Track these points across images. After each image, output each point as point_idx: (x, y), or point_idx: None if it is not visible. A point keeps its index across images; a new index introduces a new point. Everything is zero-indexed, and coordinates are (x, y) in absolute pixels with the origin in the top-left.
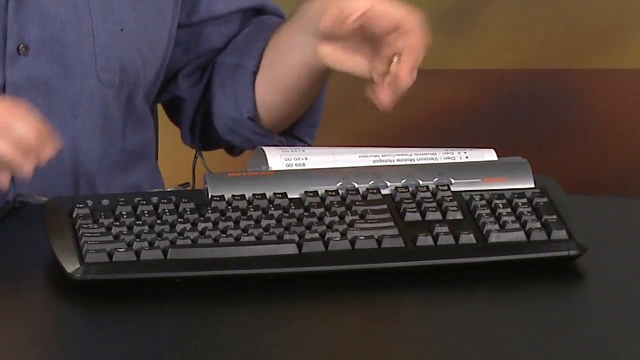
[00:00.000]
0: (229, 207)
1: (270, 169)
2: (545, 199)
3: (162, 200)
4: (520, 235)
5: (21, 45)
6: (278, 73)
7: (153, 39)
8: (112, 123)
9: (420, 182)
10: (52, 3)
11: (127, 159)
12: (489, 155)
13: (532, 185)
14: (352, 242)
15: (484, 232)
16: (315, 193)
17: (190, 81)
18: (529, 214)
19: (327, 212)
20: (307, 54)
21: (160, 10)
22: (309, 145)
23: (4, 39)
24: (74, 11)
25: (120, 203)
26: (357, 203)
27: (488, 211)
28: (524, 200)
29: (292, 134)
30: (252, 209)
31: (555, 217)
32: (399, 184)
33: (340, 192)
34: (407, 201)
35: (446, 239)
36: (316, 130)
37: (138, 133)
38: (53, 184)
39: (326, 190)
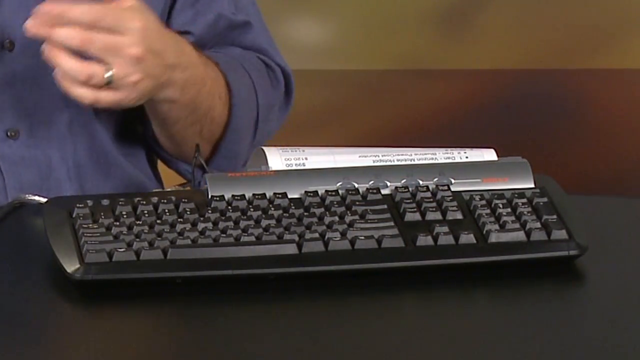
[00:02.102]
0: (229, 207)
1: (270, 169)
2: (545, 199)
3: (162, 200)
4: (520, 235)
5: (6, 41)
6: None
7: None
8: (100, 121)
9: (420, 182)
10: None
11: (115, 157)
12: (489, 155)
13: (532, 185)
14: (352, 242)
15: (484, 232)
16: (315, 193)
17: None
18: (529, 214)
19: (327, 212)
20: None
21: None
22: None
23: None
24: None
25: (120, 203)
26: (357, 203)
27: (488, 211)
28: (524, 200)
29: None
30: (252, 209)
31: (555, 217)
32: (399, 184)
33: (340, 192)
34: (407, 201)
35: (446, 239)
36: (235, 162)
37: (125, 132)
38: (43, 180)
39: (326, 190)
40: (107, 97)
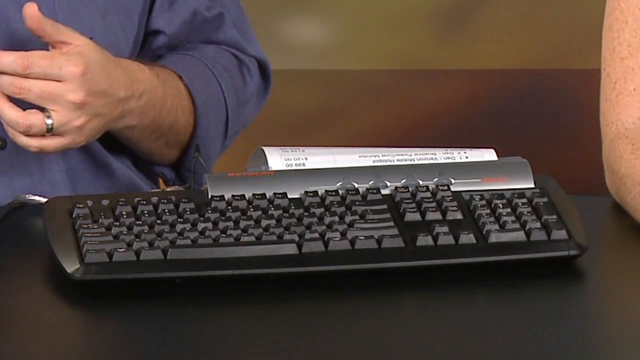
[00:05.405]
0: (229, 207)
1: (270, 169)
2: (545, 199)
3: (162, 200)
4: (520, 235)
5: None
6: None
7: (121, 46)
8: None
9: (420, 182)
10: (17, 11)
11: (107, 157)
12: (489, 155)
13: (532, 185)
14: (352, 242)
15: (484, 232)
16: (315, 193)
17: None
18: (529, 214)
19: (327, 212)
20: None
21: (129, 17)
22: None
23: None
24: None
25: (120, 203)
26: (357, 203)
27: (488, 211)
28: (524, 200)
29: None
30: (252, 209)
31: (555, 217)
32: (399, 184)
33: (340, 192)
34: (407, 201)
35: (446, 239)
36: (206, 164)
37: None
38: (37, 185)
39: (326, 190)
40: (51, 143)
